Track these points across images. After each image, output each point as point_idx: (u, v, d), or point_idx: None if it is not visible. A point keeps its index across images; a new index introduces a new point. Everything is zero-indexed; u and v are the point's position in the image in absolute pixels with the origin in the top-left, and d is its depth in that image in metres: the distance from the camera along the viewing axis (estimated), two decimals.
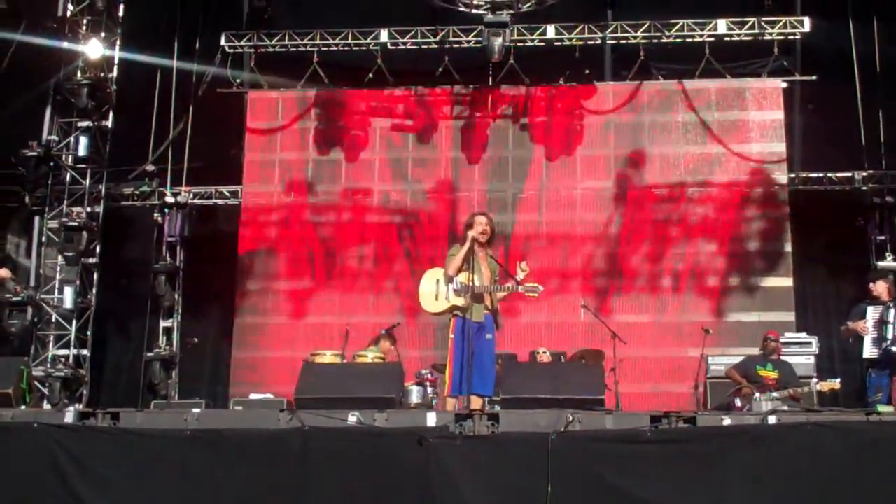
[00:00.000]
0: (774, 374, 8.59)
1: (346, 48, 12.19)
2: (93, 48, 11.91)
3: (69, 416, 6.02)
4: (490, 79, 12.07)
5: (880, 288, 8.22)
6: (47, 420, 6.00)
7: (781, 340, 9.15)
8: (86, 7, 11.86)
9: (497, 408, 6.72)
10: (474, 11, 11.06)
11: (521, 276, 7.14)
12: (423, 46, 12.07)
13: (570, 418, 5.55)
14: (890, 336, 7.83)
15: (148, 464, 5.72)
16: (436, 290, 7.19)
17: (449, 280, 7.12)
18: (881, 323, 7.93)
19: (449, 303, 7.12)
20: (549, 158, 11.92)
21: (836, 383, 8.17)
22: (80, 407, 8.35)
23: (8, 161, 11.58)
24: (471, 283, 6.91)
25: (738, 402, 8.42)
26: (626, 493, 5.31)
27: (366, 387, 6.35)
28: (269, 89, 12.39)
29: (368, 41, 12.09)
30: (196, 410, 6.20)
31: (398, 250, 11.89)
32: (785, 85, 11.55)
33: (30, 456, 5.76)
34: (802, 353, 9.47)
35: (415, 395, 8.39)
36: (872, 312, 8.05)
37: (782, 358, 8.91)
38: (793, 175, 11.52)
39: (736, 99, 11.69)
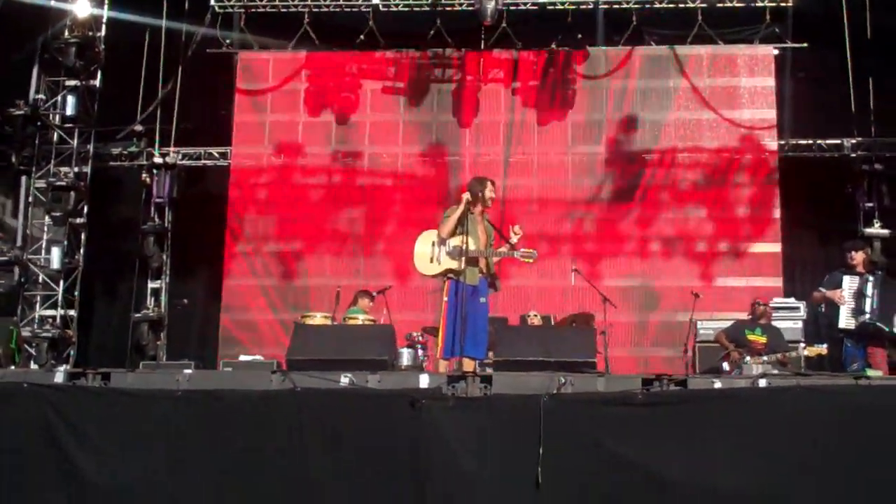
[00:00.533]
0: (763, 339, 8.66)
1: (338, 9, 12.05)
2: (81, 6, 11.75)
3: (59, 377, 5.96)
4: (482, 42, 11.96)
5: (859, 258, 8.21)
6: (37, 380, 5.96)
7: (770, 305, 9.22)
8: None
9: (489, 370, 6.75)
10: None
11: (514, 239, 7.14)
12: (416, 9, 11.94)
13: (563, 380, 5.55)
14: (868, 309, 7.85)
15: (139, 424, 5.69)
16: (431, 253, 7.17)
17: (441, 242, 7.11)
18: (859, 295, 7.94)
19: (443, 265, 7.10)
20: (540, 123, 11.88)
21: (823, 348, 8.22)
22: (68, 367, 8.30)
23: None
24: (465, 246, 6.90)
25: (725, 367, 8.50)
26: (617, 454, 5.35)
27: (358, 348, 6.34)
28: (259, 50, 12.26)
29: (360, 2, 11.95)
30: (187, 371, 6.16)
31: (389, 213, 11.88)
32: (776, 52, 11.53)
33: (20, 416, 5.73)
34: (790, 318, 9.52)
35: (406, 358, 8.37)
36: (849, 282, 8.02)
37: (772, 323, 8.98)
38: (783, 142, 11.54)
39: (727, 65, 11.67)
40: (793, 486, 5.20)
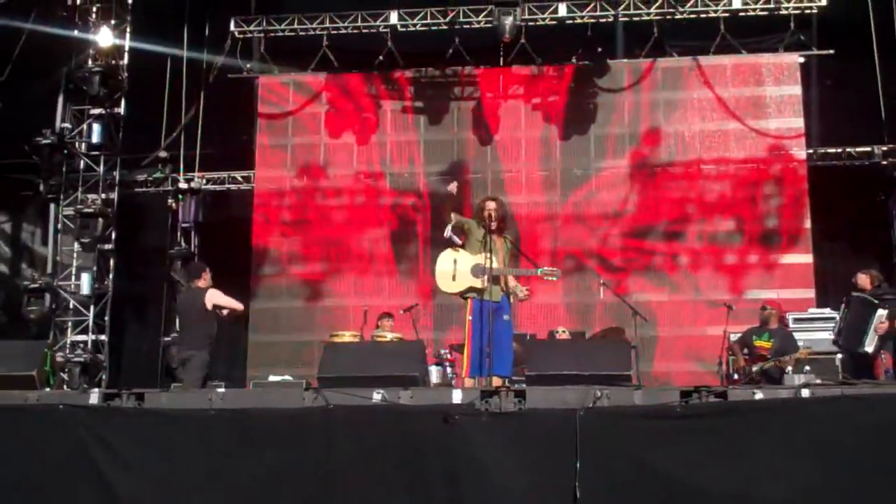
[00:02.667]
0: (768, 344, 8.65)
1: (356, 31, 12.12)
2: (103, 36, 11.89)
3: (94, 398, 5.97)
4: (501, 59, 11.98)
5: (861, 280, 8.22)
6: (72, 401, 5.98)
7: (805, 316, 9.14)
8: None
9: (518, 386, 6.64)
10: None
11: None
12: (433, 28, 11.99)
13: (598, 394, 5.45)
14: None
15: (173, 443, 5.67)
16: (453, 270, 7.12)
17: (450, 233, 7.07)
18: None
19: (466, 283, 7.04)
20: (562, 138, 11.82)
21: (807, 351, 8.36)
22: (103, 389, 8.32)
23: (22, 150, 11.54)
24: (488, 264, 6.82)
25: (735, 376, 8.44)
26: (655, 468, 5.22)
27: (389, 365, 6.27)
28: (279, 74, 12.33)
29: (378, 24, 12.03)
30: (220, 390, 6.14)
31: (411, 232, 11.86)
32: (802, 60, 11.42)
33: (56, 437, 5.74)
34: (826, 329, 9.36)
35: (434, 375, 8.36)
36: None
37: (785, 327, 8.95)
38: (811, 151, 11.41)
39: (752, 75, 11.57)
40: (839, 496, 5.05)
